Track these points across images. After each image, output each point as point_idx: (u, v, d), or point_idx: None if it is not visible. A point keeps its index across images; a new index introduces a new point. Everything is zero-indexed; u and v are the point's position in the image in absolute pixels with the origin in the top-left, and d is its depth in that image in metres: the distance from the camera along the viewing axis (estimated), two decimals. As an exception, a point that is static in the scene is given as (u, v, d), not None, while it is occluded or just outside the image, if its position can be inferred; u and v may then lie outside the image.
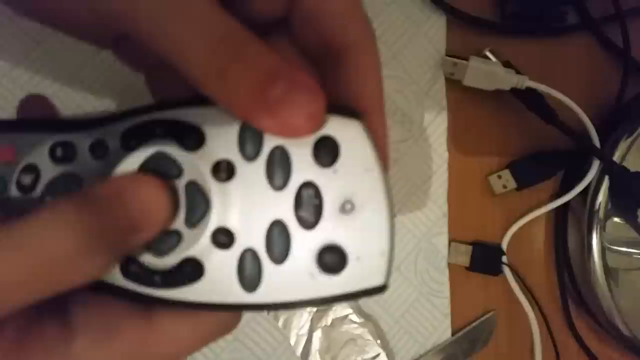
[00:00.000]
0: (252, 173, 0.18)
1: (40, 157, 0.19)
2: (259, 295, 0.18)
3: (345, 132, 0.18)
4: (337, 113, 0.18)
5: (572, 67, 0.42)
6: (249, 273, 0.18)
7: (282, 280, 0.18)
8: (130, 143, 0.19)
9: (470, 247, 0.40)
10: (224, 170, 0.18)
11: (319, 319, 0.37)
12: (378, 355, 0.37)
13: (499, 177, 0.40)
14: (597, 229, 0.38)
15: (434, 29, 0.39)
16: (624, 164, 0.38)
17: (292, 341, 0.36)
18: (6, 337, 0.16)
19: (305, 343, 0.36)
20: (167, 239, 0.18)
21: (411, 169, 0.39)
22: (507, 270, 0.40)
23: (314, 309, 0.37)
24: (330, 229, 0.18)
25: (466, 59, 0.37)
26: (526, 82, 0.37)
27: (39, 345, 0.17)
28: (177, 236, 0.18)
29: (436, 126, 0.39)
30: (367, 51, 0.21)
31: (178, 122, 0.18)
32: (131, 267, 0.18)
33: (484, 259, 0.40)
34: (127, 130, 0.19)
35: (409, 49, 0.39)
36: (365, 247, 0.18)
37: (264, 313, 0.36)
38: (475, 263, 0.39)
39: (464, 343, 0.39)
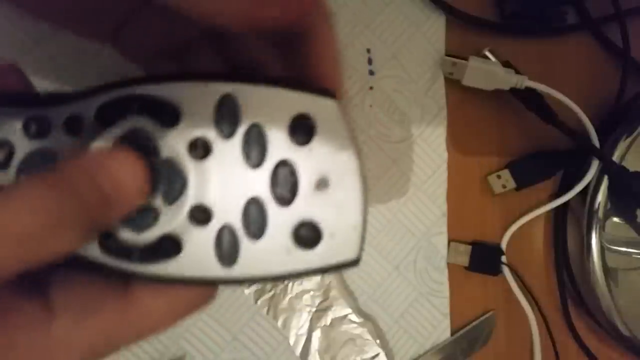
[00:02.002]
0: (228, 151, 0.18)
1: (14, 132, 0.19)
2: (237, 270, 0.19)
3: (321, 111, 0.18)
4: (313, 92, 0.18)
5: (571, 67, 0.42)
6: (226, 248, 0.18)
7: (259, 255, 0.19)
8: (105, 118, 0.18)
9: (469, 247, 0.40)
10: (200, 148, 0.18)
11: (318, 319, 0.37)
12: (377, 355, 0.37)
13: (499, 177, 0.40)
14: (596, 228, 0.38)
15: (433, 28, 0.39)
16: (624, 163, 0.38)
17: (292, 341, 0.36)
18: None
19: (305, 343, 0.36)
20: (145, 216, 0.18)
21: (410, 169, 0.39)
22: (506, 270, 0.40)
23: (314, 309, 0.37)
24: (306, 206, 0.18)
25: (465, 59, 0.37)
26: (525, 82, 0.37)
27: (19, 323, 0.17)
28: (155, 213, 0.18)
29: (435, 126, 0.39)
30: (323, 32, 0.21)
31: (155, 98, 0.18)
32: (109, 242, 0.18)
33: (483, 258, 0.40)
34: (103, 105, 0.19)
35: (408, 48, 0.39)
36: (339, 222, 0.19)
37: (264, 313, 0.36)
38: (474, 263, 0.39)
39: (463, 343, 0.39)
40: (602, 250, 0.38)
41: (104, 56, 0.34)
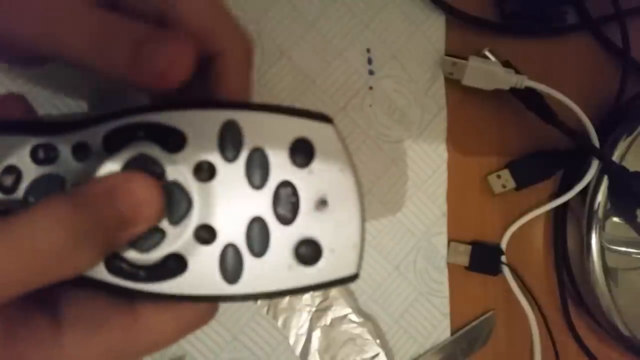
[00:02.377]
0: (232, 173, 0.19)
1: (22, 158, 0.20)
2: (240, 287, 0.19)
3: (319, 135, 0.19)
4: (311, 118, 0.19)
5: (571, 67, 0.42)
6: (230, 266, 0.19)
7: (262, 272, 0.19)
8: (112, 145, 0.19)
9: (469, 247, 0.40)
10: (205, 171, 0.19)
11: (318, 319, 0.37)
12: (377, 354, 0.37)
13: (498, 176, 0.40)
14: (596, 228, 0.38)
15: (433, 28, 0.39)
16: (623, 163, 0.38)
17: (292, 341, 0.36)
18: None
19: (305, 343, 0.36)
20: (151, 237, 0.19)
21: (410, 169, 0.39)
22: (506, 270, 0.40)
23: (313, 309, 0.37)
24: (306, 225, 0.19)
25: (465, 59, 0.37)
26: (525, 82, 0.37)
27: (30, 337, 0.17)
28: (161, 233, 0.19)
29: (435, 126, 0.39)
30: (235, 58, 0.23)
31: (160, 124, 0.19)
32: (115, 262, 0.19)
33: (483, 258, 0.40)
34: (110, 132, 0.20)
35: (408, 48, 0.39)
36: (339, 240, 0.20)
37: (264, 313, 0.36)
38: (474, 263, 0.39)
39: (463, 343, 0.39)
40: (602, 250, 0.38)
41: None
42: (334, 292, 0.37)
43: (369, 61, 0.38)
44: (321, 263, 0.19)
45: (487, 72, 0.37)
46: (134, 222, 0.18)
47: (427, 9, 0.39)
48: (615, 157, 0.38)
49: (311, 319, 0.37)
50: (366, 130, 0.38)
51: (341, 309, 0.37)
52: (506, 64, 0.38)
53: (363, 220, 0.20)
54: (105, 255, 0.18)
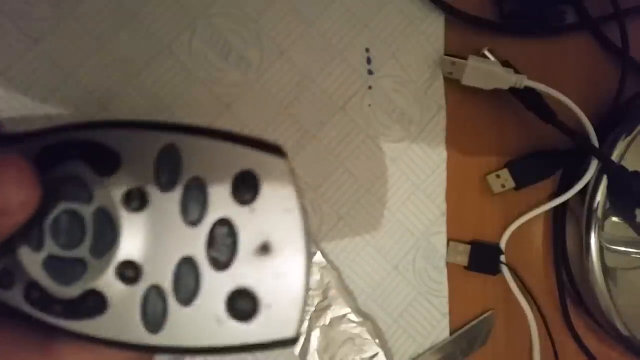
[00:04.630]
0: (166, 205, 0.17)
1: None
2: (162, 338, 0.17)
3: (267, 169, 0.17)
4: (261, 149, 0.17)
5: (571, 67, 0.42)
6: (153, 313, 0.17)
7: (188, 324, 0.17)
8: (45, 162, 0.18)
9: (468, 247, 0.39)
10: (136, 199, 0.17)
11: (318, 319, 0.37)
12: (377, 354, 0.37)
13: (498, 176, 0.40)
14: (595, 228, 0.38)
15: (433, 28, 0.39)
16: (623, 163, 0.38)
17: (291, 341, 0.36)
18: None
19: (304, 342, 0.36)
20: (72, 267, 0.18)
21: (409, 169, 0.39)
22: (505, 270, 0.39)
23: (312, 309, 0.36)
24: (243, 272, 0.17)
25: (465, 59, 0.37)
26: (525, 82, 0.37)
27: None
28: (82, 265, 0.18)
29: (435, 125, 0.39)
30: None
31: (95, 144, 0.18)
32: (34, 292, 0.18)
33: (483, 258, 0.40)
34: (44, 148, 0.18)
35: (407, 48, 0.39)
36: (279, 294, 0.17)
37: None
38: (473, 263, 0.39)
39: (463, 343, 0.39)
40: (602, 250, 0.38)
41: (102, 56, 0.34)
42: (333, 291, 0.37)
43: (368, 61, 0.38)
44: (256, 320, 0.17)
45: (486, 72, 0.37)
46: (2, 209, 0.16)
47: (426, 8, 0.39)
48: (614, 157, 0.38)
49: (310, 319, 0.36)
50: (365, 130, 0.38)
51: (340, 308, 0.37)
52: (505, 63, 0.38)
53: (308, 272, 0.17)
54: None
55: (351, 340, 0.37)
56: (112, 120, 0.18)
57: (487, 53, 0.38)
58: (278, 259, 0.17)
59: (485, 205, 0.41)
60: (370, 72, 0.38)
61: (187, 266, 0.17)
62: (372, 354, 0.37)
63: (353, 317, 0.37)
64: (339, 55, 0.38)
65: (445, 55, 0.39)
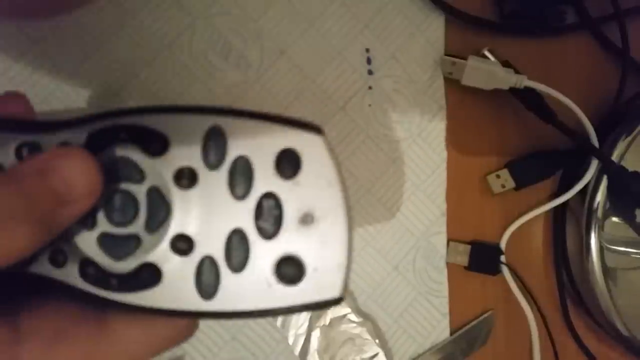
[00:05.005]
0: (214, 182, 0.18)
1: (7, 156, 0.19)
2: (216, 303, 0.18)
3: (307, 146, 0.18)
4: (300, 127, 0.18)
5: (570, 67, 0.42)
6: (207, 281, 0.18)
7: (239, 289, 0.18)
8: (95, 146, 0.19)
9: (468, 247, 0.39)
10: (186, 178, 0.18)
11: (318, 319, 0.37)
12: (376, 354, 0.37)
13: (498, 176, 0.40)
14: (595, 228, 0.38)
15: (433, 28, 0.39)
16: (623, 163, 0.38)
17: (291, 341, 0.36)
18: None
19: (304, 342, 0.36)
20: (126, 243, 0.19)
21: (409, 169, 0.39)
22: (505, 270, 0.39)
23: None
24: (289, 240, 0.18)
25: (465, 58, 0.37)
26: (525, 82, 0.37)
27: None
28: (136, 240, 0.19)
29: (435, 125, 0.39)
30: None
31: (143, 127, 0.19)
32: (89, 269, 0.19)
33: (483, 258, 0.40)
34: (93, 133, 0.19)
35: (407, 48, 0.39)
36: (323, 259, 0.18)
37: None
38: (473, 263, 0.39)
39: (462, 342, 0.39)
40: (602, 250, 0.38)
41: (102, 55, 0.34)
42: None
43: (368, 61, 0.38)
44: (303, 283, 0.18)
45: (486, 71, 0.37)
46: (69, 199, 0.17)
47: (426, 8, 0.39)
48: (614, 157, 0.38)
49: (310, 319, 0.37)
50: (365, 130, 0.38)
51: (340, 308, 0.37)
52: (505, 63, 0.38)
53: (350, 238, 0.18)
54: (46, 234, 0.17)
55: (351, 340, 0.37)
56: (157, 105, 0.19)
57: (487, 53, 0.38)
58: (321, 226, 0.18)
59: (485, 205, 0.41)
60: (370, 72, 0.38)
61: (237, 236, 0.18)
62: (372, 354, 0.37)
63: (353, 317, 0.37)
64: (339, 55, 0.38)
65: (445, 55, 0.39)
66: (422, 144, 0.39)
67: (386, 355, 0.37)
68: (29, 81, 0.34)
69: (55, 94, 0.34)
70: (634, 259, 0.41)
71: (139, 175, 0.18)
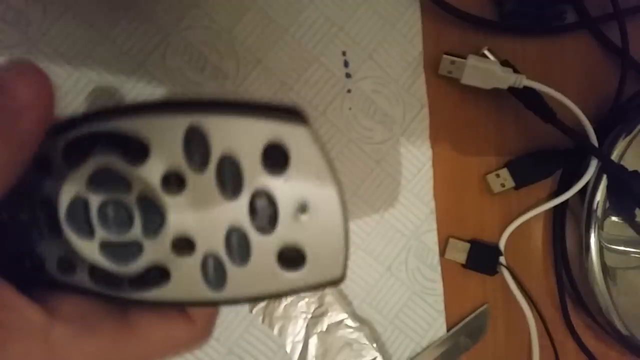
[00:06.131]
0: (203, 183, 0.18)
1: None
2: (227, 293, 0.19)
3: (293, 138, 0.18)
4: (282, 115, 0.18)
5: (570, 66, 0.42)
6: (213, 275, 0.19)
7: (246, 279, 0.19)
8: (72, 158, 0.18)
9: (467, 245, 0.39)
10: (174, 183, 0.18)
11: (314, 325, 0.37)
12: (375, 359, 0.37)
13: (497, 176, 0.40)
14: (595, 228, 0.38)
15: (409, 25, 0.39)
16: (622, 162, 0.38)
17: (288, 348, 0.36)
18: None
19: (302, 350, 0.36)
20: (128, 250, 0.19)
21: (395, 169, 0.39)
22: (505, 272, 0.39)
23: (309, 316, 0.36)
24: (288, 232, 0.18)
25: (464, 58, 0.37)
26: (524, 81, 0.37)
27: (16, 324, 0.17)
28: (138, 246, 0.19)
29: (418, 123, 0.39)
30: None
31: (120, 134, 0.18)
32: (98, 273, 0.19)
33: (481, 258, 0.40)
34: (68, 144, 0.18)
35: (384, 47, 0.38)
36: (323, 244, 0.19)
37: (258, 323, 0.36)
38: (471, 261, 0.39)
39: (460, 338, 0.39)
40: (601, 249, 0.38)
41: (101, 54, 0.34)
42: (329, 298, 0.37)
43: (346, 64, 0.38)
44: (306, 268, 0.19)
45: (485, 71, 0.37)
46: (21, 111, 0.17)
47: (400, 6, 0.38)
48: (614, 157, 0.38)
49: (307, 326, 0.36)
50: (347, 134, 0.38)
51: (337, 314, 0.37)
52: (505, 63, 0.38)
53: (346, 221, 0.19)
54: (22, 151, 0.17)
55: (349, 346, 0.37)
56: (130, 104, 0.19)
57: (486, 52, 0.38)
58: (317, 216, 0.18)
59: (485, 205, 0.41)
60: (348, 75, 0.38)
61: (236, 234, 0.18)
62: (370, 358, 0.37)
63: (350, 322, 0.37)
64: (316, 60, 0.37)
65: (445, 54, 0.39)
66: (406, 143, 0.39)
67: (384, 359, 0.37)
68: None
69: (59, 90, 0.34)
70: (633, 258, 0.41)
71: (125, 185, 0.18)
